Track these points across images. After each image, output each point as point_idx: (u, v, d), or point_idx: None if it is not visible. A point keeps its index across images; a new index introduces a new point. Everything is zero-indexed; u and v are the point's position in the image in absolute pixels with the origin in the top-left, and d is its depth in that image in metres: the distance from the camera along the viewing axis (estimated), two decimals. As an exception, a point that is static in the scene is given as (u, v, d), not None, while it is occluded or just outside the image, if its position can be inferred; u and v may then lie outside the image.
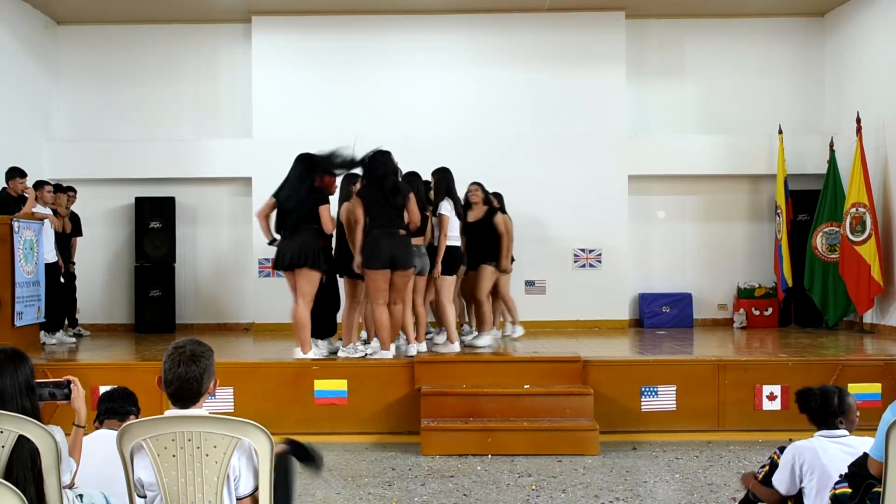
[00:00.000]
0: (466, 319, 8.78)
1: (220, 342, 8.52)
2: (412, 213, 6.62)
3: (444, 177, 7.39)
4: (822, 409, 3.55)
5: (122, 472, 2.64)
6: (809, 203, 9.96)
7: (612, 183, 10.10)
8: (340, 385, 6.64)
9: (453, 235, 7.25)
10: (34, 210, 7.88)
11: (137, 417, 3.76)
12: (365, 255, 6.55)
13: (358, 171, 6.91)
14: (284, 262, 6.60)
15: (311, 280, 6.61)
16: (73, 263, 9.26)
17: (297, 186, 6.61)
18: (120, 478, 2.67)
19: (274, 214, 6.76)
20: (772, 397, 6.59)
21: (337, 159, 6.70)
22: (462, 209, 7.53)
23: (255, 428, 2.59)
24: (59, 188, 8.79)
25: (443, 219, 7.14)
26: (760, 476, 3.78)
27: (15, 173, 7.95)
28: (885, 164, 9.17)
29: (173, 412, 2.70)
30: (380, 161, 6.63)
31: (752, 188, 10.56)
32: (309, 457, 3.36)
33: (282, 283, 7.55)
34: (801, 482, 3.46)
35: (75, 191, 9.19)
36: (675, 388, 6.62)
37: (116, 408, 3.79)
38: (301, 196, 6.57)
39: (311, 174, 6.65)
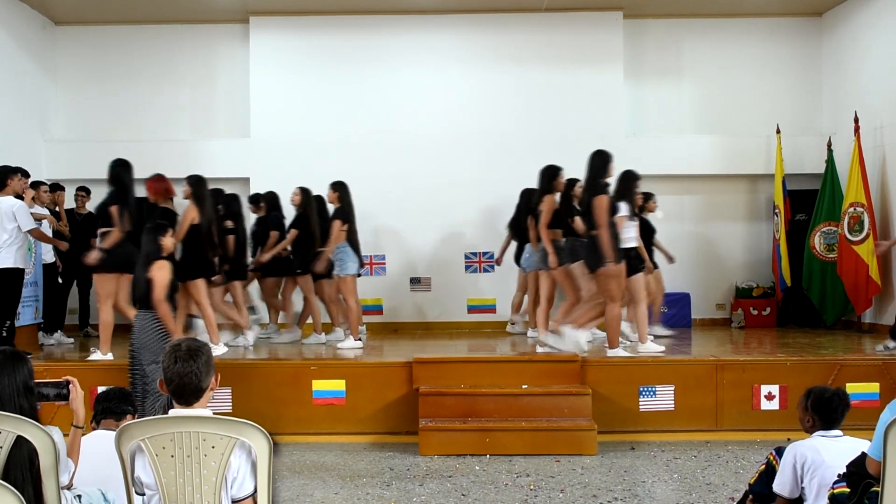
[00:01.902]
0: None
1: (218, 342, 8.48)
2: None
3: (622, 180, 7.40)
4: (840, 410, 3.57)
5: (120, 473, 2.64)
6: (807, 203, 9.96)
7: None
8: (339, 385, 6.64)
9: (630, 237, 7.19)
10: (32, 210, 7.85)
11: (134, 417, 3.76)
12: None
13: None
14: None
15: None
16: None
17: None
18: (118, 478, 2.67)
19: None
20: (770, 397, 6.59)
21: None
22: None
23: (254, 428, 2.58)
24: (55, 187, 8.79)
25: (620, 220, 6.99)
26: (754, 479, 3.79)
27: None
28: (883, 164, 9.17)
29: (177, 411, 2.70)
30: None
31: (749, 188, 10.56)
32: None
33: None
34: (801, 481, 3.46)
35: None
36: (673, 388, 6.63)
37: (113, 408, 3.80)
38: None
39: None
